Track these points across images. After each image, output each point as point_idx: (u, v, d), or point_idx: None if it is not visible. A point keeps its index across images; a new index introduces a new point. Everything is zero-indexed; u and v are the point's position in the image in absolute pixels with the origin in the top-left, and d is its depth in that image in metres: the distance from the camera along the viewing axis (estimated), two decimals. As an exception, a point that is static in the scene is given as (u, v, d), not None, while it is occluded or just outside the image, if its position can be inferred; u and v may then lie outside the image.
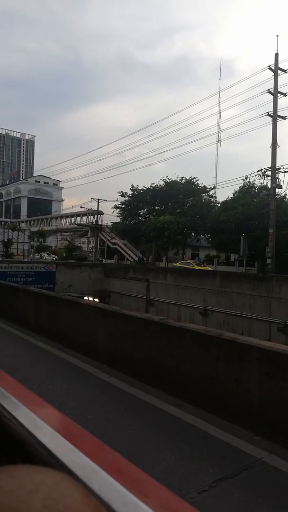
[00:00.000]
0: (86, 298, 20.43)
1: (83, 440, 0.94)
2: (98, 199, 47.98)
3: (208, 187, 41.70)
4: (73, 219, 53.79)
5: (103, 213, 48.44)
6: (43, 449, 0.72)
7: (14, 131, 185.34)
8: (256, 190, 34.88)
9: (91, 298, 22.41)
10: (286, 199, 32.80)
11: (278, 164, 27.68)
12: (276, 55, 28.04)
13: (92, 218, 48.24)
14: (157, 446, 4.07)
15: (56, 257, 45.44)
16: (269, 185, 29.40)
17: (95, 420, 4.57)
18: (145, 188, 44.18)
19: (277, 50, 28.56)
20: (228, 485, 3.37)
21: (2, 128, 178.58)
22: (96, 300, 21.49)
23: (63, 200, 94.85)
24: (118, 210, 45.82)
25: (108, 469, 0.63)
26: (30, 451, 0.73)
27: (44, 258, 41.78)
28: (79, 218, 51.89)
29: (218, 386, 4.91)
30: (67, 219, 56.27)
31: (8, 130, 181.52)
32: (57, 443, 0.74)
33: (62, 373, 6.67)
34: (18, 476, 0.47)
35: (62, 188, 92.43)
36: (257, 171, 29.56)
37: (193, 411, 4.81)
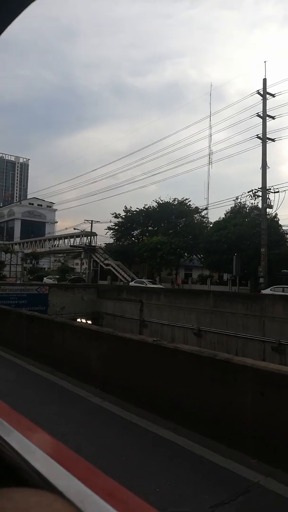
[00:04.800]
0: (79, 320, 20.25)
1: (76, 465, 0.94)
2: (92, 221, 48.23)
3: (200, 208, 42.24)
4: (66, 240, 53.77)
5: (96, 235, 48.59)
6: (36, 474, 0.72)
7: (8, 155, 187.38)
8: (247, 210, 35.39)
9: (84, 320, 22.21)
10: (277, 219, 33.28)
11: (268, 184, 28.25)
12: (264, 80, 29.04)
13: (85, 240, 48.30)
14: (152, 472, 3.98)
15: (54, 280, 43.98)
16: (260, 205, 29.89)
17: (88, 445, 4.47)
18: (138, 210, 44.58)
19: (265, 75, 29.58)
20: (224, 510, 3.29)
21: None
22: (89, 322, 21.30)
23: (56, 222, 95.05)
24: (112, 231, 46.05)
25: (100, 493, 0.63)
26: (23, 476, 0.74)
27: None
28: (73, 239, 51.90)
29: (212, 408, 4.85)
30: (61, 240, 56.24)
31: (2, 153, 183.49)
32: (50, 468, 0.74)
33: (54, 398, 6.54)
34: (13, 498, 0.48)
35: (55, 210, 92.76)
36: (248, 192, 30.16)
37: (188, 435, 4.73)
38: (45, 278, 42.86)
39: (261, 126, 28.87)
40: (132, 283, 35.19)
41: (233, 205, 36.20)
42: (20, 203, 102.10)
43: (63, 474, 0.72)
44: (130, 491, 0.85)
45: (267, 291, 27.39)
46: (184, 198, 43.29)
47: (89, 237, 47.55)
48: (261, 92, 28.83)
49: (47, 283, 34.31)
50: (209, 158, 39.94)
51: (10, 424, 0.94)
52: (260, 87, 29.05)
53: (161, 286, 33.21)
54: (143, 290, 26.51)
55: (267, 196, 28.10)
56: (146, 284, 32.87)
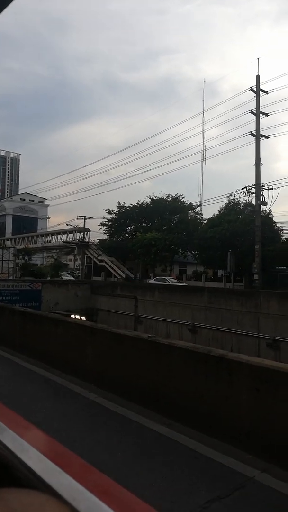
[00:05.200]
0: (73, 316, 20.20)
1: (70, 462, 0.91)
2: (85, 217, 48.10)
3: (194, 204, 42.31)
4: (59, 236, 53.56)
5: (89, 230, 48.44)
6: (29, 472, 0.70)
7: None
8: (241, 207, 35.52)
9: (78, 316, 22.16)
10: (271, 216, 33.46)
11: (262, 181, 28.34)
12: (258, 77, 29.05)
13: (78, 236, 48.12)
14: (147, 467, 3.98)
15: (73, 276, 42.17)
16: (253, 202, 29.99)
17: (83, 441, 4.45)
18: (131, 206, 44.58)
19: (258, 72, 29.59)
20: (220, 506, 3.29)
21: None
22: (83, 318, 21.26)
23: (49, 218, 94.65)
24: (105, 227, 46.03)
25: (95, 490, 0.61)
26: (17, 474, 0.71)
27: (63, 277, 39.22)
28: (66, 235, 51.70)
29: (208, 404, 4.85)
30: (53, 236, 56.01)
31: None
32: (43, 466, 0.72)
33: (48, 394, 6.52)
34: (5, 498, 0.46)
35: (48, 205, 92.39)
36: (242, 189, 30.24)
37: (183, 430, 4.73)
38: (63, 274, 41.27)
39: (254, 123, 28.94)
40: (152, 281, 33.12)
41: (227, 202, 36.33)
42: (12, 198, 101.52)
43: (57, 472, 0.70)
44: (125, 489, 0.83)
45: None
46: (178, 195, 43.40)
47: (82, 233, 47.42)
48: (255, 89, 28.86)
49: (64, 279, 34.01)
50: (203, 154, 40.00)
51: (3, 422, 0.92)
52: (254, 83, 29.10)
53: (184, 284, 30.97)
54: (138, 286, 26.52)
55: (261, 193, 28.22)
56: (169, 282, 30.91)
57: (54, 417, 5.23)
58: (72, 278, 38.68)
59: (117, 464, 3.95)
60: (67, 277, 38.57)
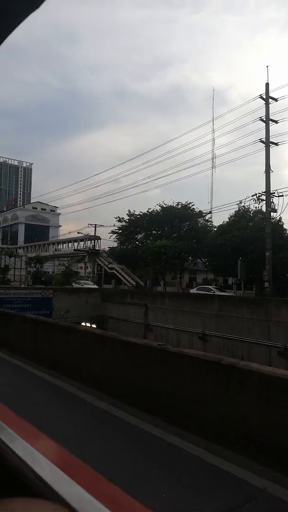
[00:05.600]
0: (83, 324, 20.23)
1: (80, 471, 0.93)
2: (95, 225, 48.37)
3: (204, 211, 42.18)
4: (70, 244, 53.90)
5: (100, 238, 48.68)
6: (40, 481, 0.71)
7: (11, 159, 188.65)
8: (251, 214, 35.30)
9: (88, 324, 22.17)
10: (281, 223, 33.18)
11: (272, 188, 28.18)
12: (267, 84, 29.05)
13: (89, 244, 48.37)
14: (158, 478, 3.95)
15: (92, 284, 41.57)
16: (263, 209, 29.79)
17: (93, 450, 4.44)
18: (141, 213, 44.64)
19: (268, 79, 29.53)
20: (231, 518, 3.25)
21: (0, 156, 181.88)
22: (94, 326, 21.27)
23: (60, 226, 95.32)
24: (115, 235, 46.10)
25: (105, 501, 0.62)
26: (27, 484, 0.73)
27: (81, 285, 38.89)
28: (76, 243, 52.01)
29: (218, 414, 4.81)
30: (64, 244, 56.39)
31: (5, 158, 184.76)
32: (54, 475, 0.73)
33: (59, 402, 6.52)
34: (14, 508, 0.47)
35: (59, 214, 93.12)
36: (252, 196, 30.03)
37: (193, 440, 4.69)
38: (85, 282, 41.00)
39: (264, 130, 28.88)
40: (193, 290, 30.66)
41: (237, 209, 36.15)
42: (24, 207, 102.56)
43: (67, 481, 0.71)
44: (135, 499, 0.84)
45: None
46: (188, 202, 43.30)
47: (93, 241, 47.63)
48: (264, 97, 28.85)
49: (85, 286, 34.09)
50: (213, 162, 39.92)
51: (14, 430, 0.94)
52: (263, 91, 29.10)
53: (232, 295, 27.91)
54: (148, 294, 26.44)
55: (271, 200, 28.03)
56: (214, 292, 27.99)
57: (63, 425, 5.24)
58: (94, 286, 38.47)
59: (125, 473, 3.93)
60: (88, 285, 38.29)
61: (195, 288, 32.38)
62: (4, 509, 0.46)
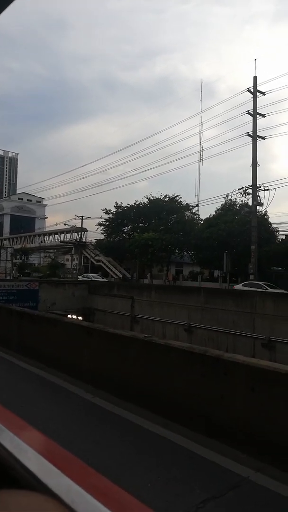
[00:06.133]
0: (70, 316, 20.17)
1: (68, 463, 0.93)
2: (82, 216, 48.06)
3: (191, 204, 42.32)
4: (56, 236, 53.45)
5: (87, 230, 48.42)
6: (27, 473, 0.71)
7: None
8: (238, 208, 35.58)
9: (75, 316, 22.13)
10: (267, 217, 33.54)
11: (258, 182, 28.41)
12: (255, 78, 29.11)
13: (76, 235, 48.06)
14: (144, 467, 4.00)
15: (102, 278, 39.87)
16: (250, 203, 30.04)
17: (79, 442, 4.46)
18: (129, 206, 44.54)
19: (256, 73, 29.57)
20: (215, 505, 3.32)
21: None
22: (80, 318, 21.23)
23: (46, 218, 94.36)
24: (102, 227, 45.95)
25: (93, 491, 0.62)
26: (15, 476, 0.72)
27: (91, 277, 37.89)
28: (63, 235, 51.60)
29: (203, 404, 4.88)
30: (51, 236, 55.89)
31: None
32: (41, 467, 0.73)
33: (45, 394, 6.52)
34: (3, 500, 0.47)
35: (45, 205, 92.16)
36: (239, 189, 30.28)
37: (180, 430, 4.75)
38: (91, 275, 39.63)
39: (251, 124, 28.98)
40: (239, 286, 26.36)
41: (223, 202, 36.39)
42: (9, 198, 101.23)
43: (56, 473, 0.71)
44: (124, 490, 0.84)
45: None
46: (175, 195, 43.39)
47: (79, 233, 47.34)
48: (252, 90, 28.91)
49: (94, 279, 33.47)
50: (200, 154, 39.98)
51: (1, 422, 0.93)
52: (251, 84, 29.13)
53: (284, 292, 23.39)
54: (134, 286, 26.49)
55: (257, 194, 28.29)
56: (266, 289, 24.34)
57: (50, 417, 5.24)
58: (103, 279, 37.65)
59: (113, 464, 3.97)
60: (97, 278, 37.32)
61: (241, 284, 27.23)
62: None
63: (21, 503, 0.48)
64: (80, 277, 37.40)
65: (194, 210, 42.23)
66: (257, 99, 28.89)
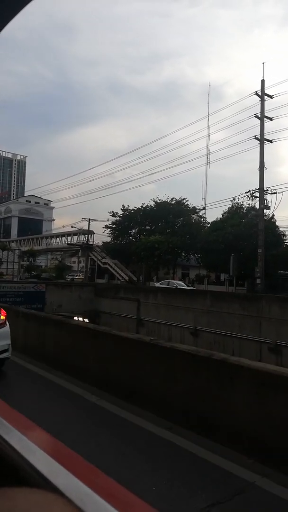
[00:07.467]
0: (76, 318, 20.22)
1: (76, 464, 0.93)
2: (89, 219, 48.23)
3: (197, 207, 42.29)
4: (63, 238, 53.68)
5: (94, 233, 48.58)
6: (36, 473, 0.72)
7: (5, 152, 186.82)
8: (245, 211, 35.46)
9: (81, 319, 22.17)
10: (274, 220, 33.38)
11: (266, 185, 28.29)
12: (262, 81, 29.05)
13: (82, 238, 48.24)
14: (148, 471, 3.99)
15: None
16: (257, 206, 29.92)
17: (84, 444, 4.47)
18: (135, 209, 44.62)
19: (264, 76, 29.58)
20: (220, 510, 3.30)
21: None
22: (86, 320, 21.28)
23: (53, 220, 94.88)
24: (109, 230, 46.06)
25: (101, 492, 0.63)
26: (24, 476, 0.73)
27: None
28: (70, 237, 51.83)
29: (209, 408, 4.86)
30: (58, 238, 56.15)
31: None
32: (50, 467, 0.73)
33: (51, 396, 6.53)
34: (13, 497, 0.48)
35: (53, 208, 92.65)
36: (246, 193, 30.14)
37: (185, 434, 4.74)
38: (175, 282, 37.82)
39: (259, 127, 28.91)
40: (157, 284, 27.24)
41: (230, 206, 36.29)
42: (17, 200, 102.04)
43: (64, 473, 0.71)
44: (130, 492, 0.85)
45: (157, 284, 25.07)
46: (182, 198, 43.39)
47: (86, 235, 47.50)
48: (259, 93, 28.85)
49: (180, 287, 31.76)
50: (207, 158, 39.95)
51: (10, 423, 0.94)
52: (259, 87, 29.09)
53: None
54: (140, 289, 26.50)
55: (265, 197, 28.16)
56: (177, 286, 26.33)
57: (55, 419, 5.25)
58: (190, 287, 34.93)
59: (118, 467, 3.96)
60: (183, 286, 31.43)
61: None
62: (2, 497, 0.47)
63: (30, 500, 0.49)
64: (157, 284, 33.16)
65: (201, 213, 42.22)
66: (265, 102, 28.84)
